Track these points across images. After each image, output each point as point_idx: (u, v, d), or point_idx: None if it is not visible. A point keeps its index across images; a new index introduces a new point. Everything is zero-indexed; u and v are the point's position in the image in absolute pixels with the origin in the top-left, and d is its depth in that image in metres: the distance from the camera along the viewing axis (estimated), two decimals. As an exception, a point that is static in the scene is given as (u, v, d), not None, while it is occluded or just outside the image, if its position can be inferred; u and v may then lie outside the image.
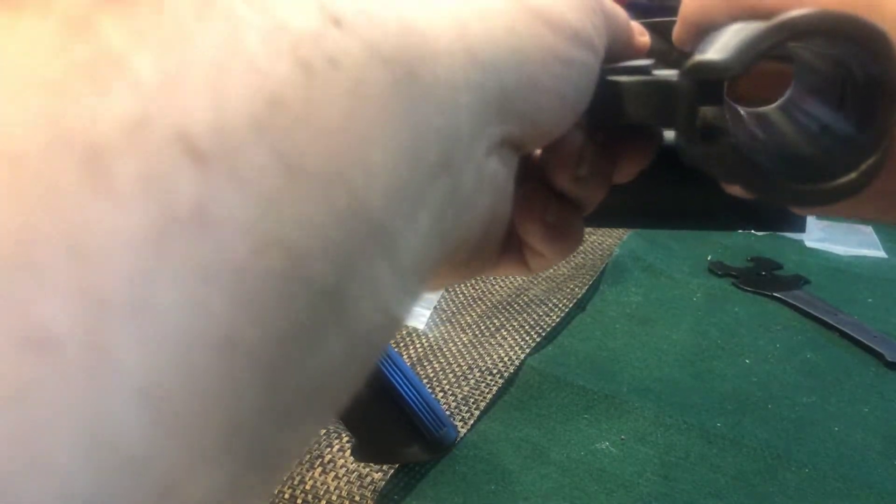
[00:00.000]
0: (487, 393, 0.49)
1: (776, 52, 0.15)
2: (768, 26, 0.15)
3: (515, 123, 0.16)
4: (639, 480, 0.42)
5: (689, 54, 0.17)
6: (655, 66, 0.19)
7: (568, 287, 0.63)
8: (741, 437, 0.45)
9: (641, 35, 0.22)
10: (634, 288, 0.65)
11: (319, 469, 0.42)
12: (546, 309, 0.59)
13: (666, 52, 0.22)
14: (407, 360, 0.53)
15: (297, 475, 0.41)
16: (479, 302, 0.61)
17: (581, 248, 0.72)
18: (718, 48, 0.15)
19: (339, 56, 0.11)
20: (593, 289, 0.64)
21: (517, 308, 0.60)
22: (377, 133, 0.11)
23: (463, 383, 0.50)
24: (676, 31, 0.21)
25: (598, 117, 0.19)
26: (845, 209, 0.18)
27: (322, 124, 0.10)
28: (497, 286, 0.64)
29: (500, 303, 0.61)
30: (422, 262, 0.13)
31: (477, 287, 0.64)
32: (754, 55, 0.15)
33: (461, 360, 0.53)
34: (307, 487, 0.41)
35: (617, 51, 0.21)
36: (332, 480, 0.41)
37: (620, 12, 0.21)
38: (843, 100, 0.17)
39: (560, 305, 0.60)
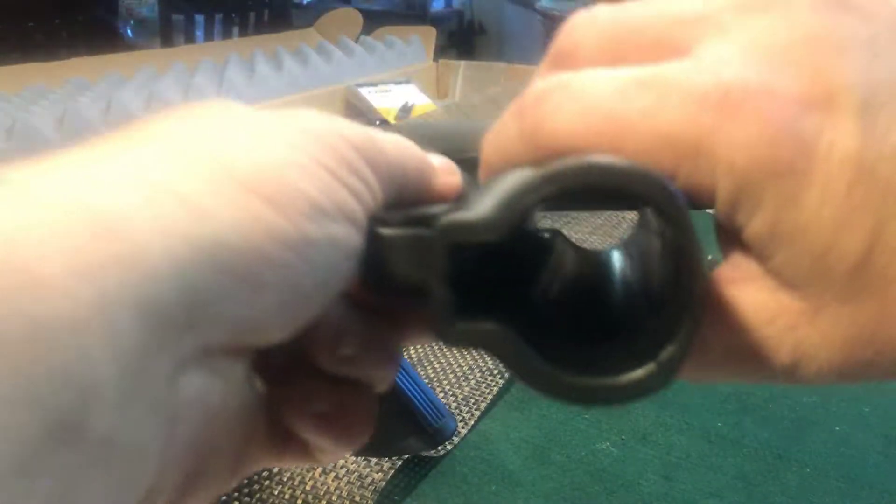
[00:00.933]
0: (488, 393, 0.49)
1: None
2: (535, 178, 0.12)
3: (223, 330, 0.12)
4: (639, 481, 0.42)
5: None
6: (454, 212, 0.14)
7: (568, 287, 0.63)
8: (742, 437, 0.45)
9: (449, 175, 0.19)
10: (635, 288, 0.65)
11: (319, 469, 0.42)
12: (546, 309, 0.59)
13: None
14: (408, 361, 0.53)
15: (298, 476, 0.41)
16: (480, 302, 0.61)
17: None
18: (481, 203, 0.13)
19: None
20: (594, 289, 0.63)
21: (518, 308, 0.60)
22: None
23: (463, 383, 0.50)
24: (481, 175, 0.17)
25: (367, 277, 0.15)
26: (694, 374, 0.15)
27: None
28: (497, 286, 0.64)
29: (500, 303, 0.61)
30: None
31: (477, 287, 0.64)
32: (519, 212, 0.12)
33: (462, 361, 0.53)
34: (307, 488, 0.41)
35: (411, 197, 0.17)
36: (333, 481, 0.41)
37: (411, 151, 0.17)
38: (662, 252, 0.14)
39: (561, 305, 0.60)
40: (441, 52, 1.09)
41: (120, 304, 0.10)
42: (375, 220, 0.15)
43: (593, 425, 0.46)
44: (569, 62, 0.16)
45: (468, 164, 0.18)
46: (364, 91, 0.90)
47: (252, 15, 1.78)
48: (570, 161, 0.12)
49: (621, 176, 0.12)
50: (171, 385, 0.12)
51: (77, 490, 0.10)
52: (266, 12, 1.80)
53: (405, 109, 0.90)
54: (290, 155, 0.13)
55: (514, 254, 0.15)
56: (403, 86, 0.94)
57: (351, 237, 0.14)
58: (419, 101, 0.92)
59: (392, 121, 0.88)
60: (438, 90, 1.04)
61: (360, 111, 0.89)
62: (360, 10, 1.12)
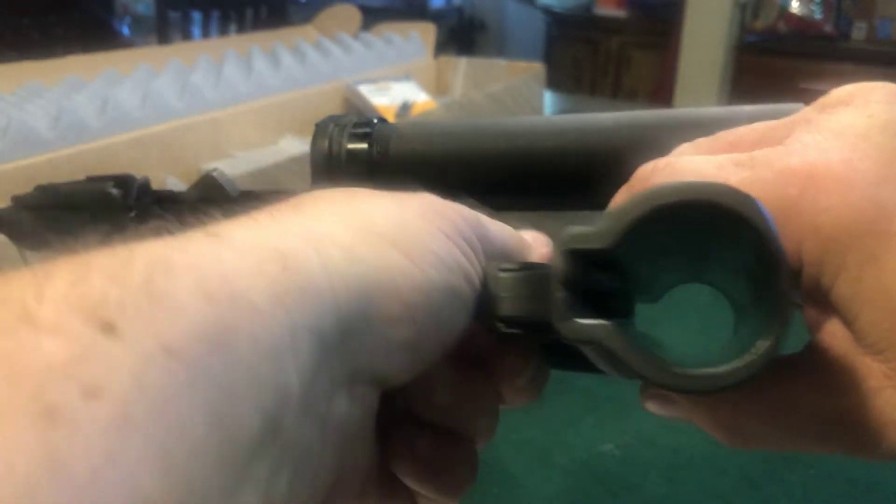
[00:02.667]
0: (489, 394, 0.49)
1: (658, 222, 0.15)
2: (634, 197, 0.15)
3: (365, 358, 0.15)
4: (643, 483, 0.42)
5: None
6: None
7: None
8: (747, 439, 0.45)
9: (542, 246, 0.22)
10: (637, 287, 0.64)
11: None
12: (548, 308, 0.59)
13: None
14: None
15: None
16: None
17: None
18: (594, 223, 0.15)
19: (103, 379, 0.10)
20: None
21: (519, 308, 0.59)
22: (160, 446, 0.10)
23: (464, 385, 0.50)
24: None
25: (481, 318, 0.18)
26: (779, 439, 0.17)
27: (70, 486, 0.09)
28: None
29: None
30: None
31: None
32: (626, 224, 0.14)
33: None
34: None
35: None
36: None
37: (509, 230, 0.20)
38: (737, 271, 0.17)
39: (562, 305, 0.59)
40: (441, 48, 1.08)
41: (301, 328, 0.13)
42: (488, 272, 0.18)
43: (596, 427, 0.46)
44: None
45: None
46: (363, 88, 0.89)
47: (249, 11, 1.78)
48: (661, 184, 0.14)
49: (712, 190, 0.14)
50: (327, 402, 0.14)
51: (278, 481, 0.12)
52: (263, 9, 1.79)
53: (405, 107, 0.89)
54: (418, 220, 0.17)
55: (612, 273, 0.17)
56: (403, 83, 0.93)
57: (464, 289, 0.17)
58: (419, 98, 0.91)
59: (392, 119, 0.87)
60: (438, 87, 1.03)
61: (358, 108, 0.88)
62: (359, 7, 1.11)
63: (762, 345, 0.14)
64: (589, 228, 0.15)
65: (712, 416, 0.18)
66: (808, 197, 0.15)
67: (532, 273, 0.17)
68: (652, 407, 0.20)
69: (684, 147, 0.19)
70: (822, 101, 0.17)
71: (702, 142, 0.19)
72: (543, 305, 0.16)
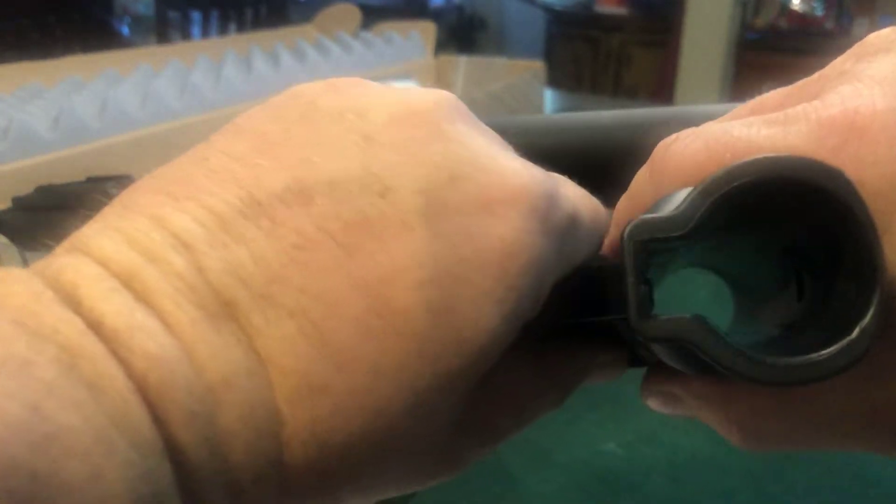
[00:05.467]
0: (491, 393, 0.49)
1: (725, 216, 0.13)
2: (715, 175, 0.13)
3: None
4: (645, 482, 0.41)
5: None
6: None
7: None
8: (749, 437, 0.45)
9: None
10: (638, 285, 0.64)
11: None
12: (549, 307, 0.59)
13: None
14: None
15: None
16: (482, 300, 0.61)
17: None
18: (663, 210, 0.14)
19: None
20: (597, 286, 0.63)
21: (520, 306, 0.59)
22: None
23: (466, 384, 0.50)
24: (612, 231, 0.18)
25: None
26: (800, 438, 0.15)
27: None
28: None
29: (502, 301, 0.60)
30: None
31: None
32: (703, 209, 0.13)
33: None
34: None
35: None
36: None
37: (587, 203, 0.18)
38: (801, 291, 0.15)
39: (563, 303, 0.59)
40: (441, 47, 1.08)
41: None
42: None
43: (598, 426, 0.46)
44: None
45: None
46: (363, 87, 0.89)
47: (249, 11, 1.78)
48: (748, 158, 0.13)
49: (796, 164, 0.13)
50: None
51: None
52: (263, 8, 1.79)
53: (404, 106, 0.89)
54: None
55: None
56: (403, 82, 0.93)
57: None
58: (419, 97, 0.91)
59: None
60: (439, 86, 1.03)
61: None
62: (359, 6, 1.11)
63: (864, 324, 0.12)
64: (664, 215, 0.13)
65: (724, 414, 0.16)
66: (850, 149, 0.13)
67: (602, 275, 0.16)
68: (654, 404, 0.19)
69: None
70: (856, 49, 0.15)
71: (721, 119, 0.17)
72: (613, 304, 0.15)
